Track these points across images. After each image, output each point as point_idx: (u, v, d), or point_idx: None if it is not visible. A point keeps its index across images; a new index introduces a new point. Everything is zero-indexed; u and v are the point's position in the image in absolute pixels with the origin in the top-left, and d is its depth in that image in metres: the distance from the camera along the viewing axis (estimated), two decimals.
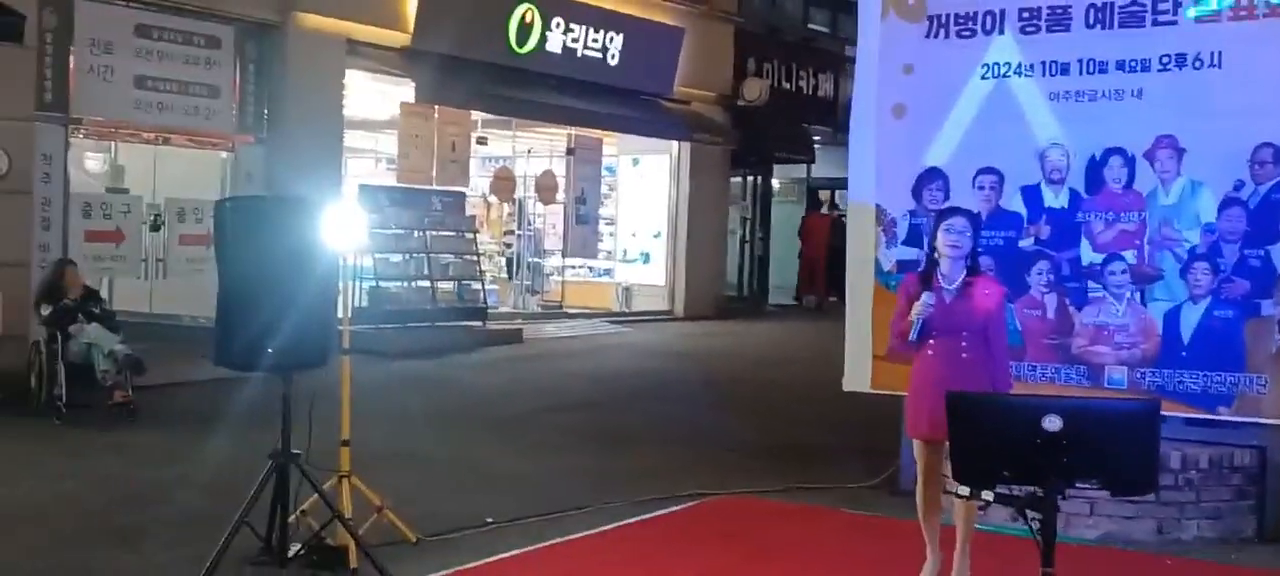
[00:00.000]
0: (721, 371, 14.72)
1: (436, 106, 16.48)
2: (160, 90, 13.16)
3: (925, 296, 5.99)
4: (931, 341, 6.14)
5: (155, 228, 13.37)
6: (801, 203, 26.46)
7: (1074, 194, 7.81)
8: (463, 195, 17.18)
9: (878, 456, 8.77)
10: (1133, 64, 7.63)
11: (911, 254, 8.13)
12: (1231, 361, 7.38)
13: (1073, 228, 7.81)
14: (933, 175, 8.17)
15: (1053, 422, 4.27)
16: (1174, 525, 7.37)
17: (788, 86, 23.05)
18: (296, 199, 7.63)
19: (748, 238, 23.87)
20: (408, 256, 15.73)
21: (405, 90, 16.25)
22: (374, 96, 17.19)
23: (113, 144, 14.24)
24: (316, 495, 6.19)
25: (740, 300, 22.76)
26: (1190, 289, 7.50)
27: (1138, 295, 7.63)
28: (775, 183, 25.54)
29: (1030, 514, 4.41)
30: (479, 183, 19.56)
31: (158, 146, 13.93)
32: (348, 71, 15.32)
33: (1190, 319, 7.50)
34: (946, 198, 7.95)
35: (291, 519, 6.05)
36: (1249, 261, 7.34)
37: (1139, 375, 7.59)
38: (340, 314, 6.71)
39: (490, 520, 7.38)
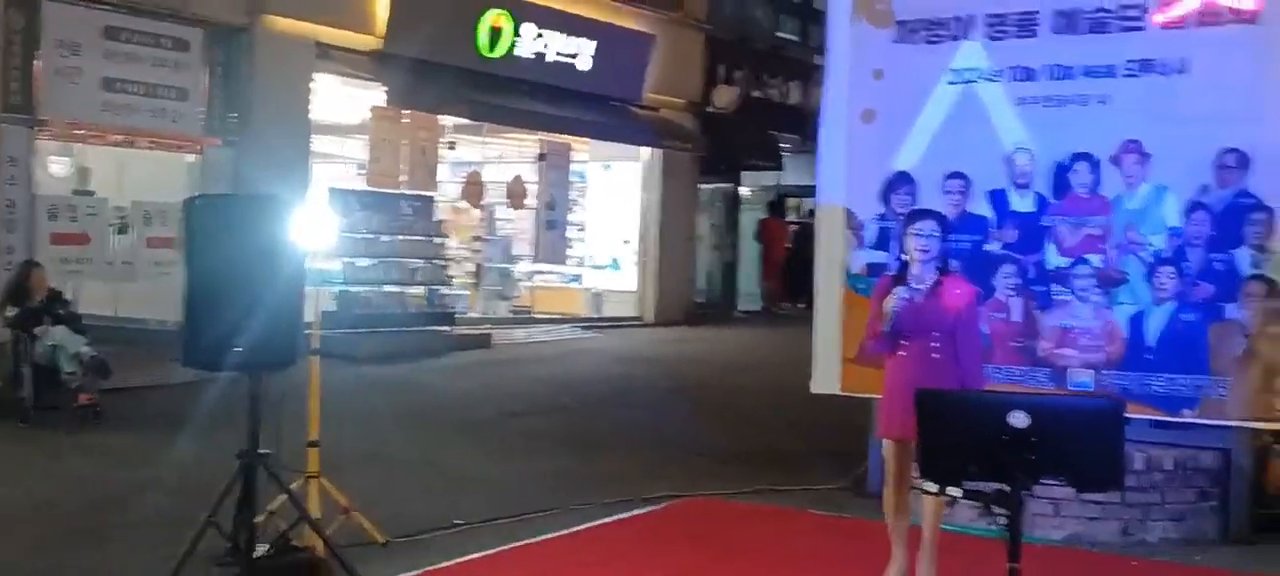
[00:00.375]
0: (691, 377, 14.74)
1: (406, 111, 16.44)
2: (128, 92, 13.07)
3: (898, 290, 6.04)
4: (903, 343, 6.18)
5: (122, 231, 13.28)
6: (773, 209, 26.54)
7: (1040, 198, 7.87)
8: (432, 200, 17.14)
9: (846, 459, 8.82)
10: (1099, 70, 7.70)
11: (880, 257, 8.17)
12: (1196, 364, 7.45)
13: (1039, 231, 7.88)
14: (901, 179, 8.22)
15: (1019, 419, 4.31)
16: (1139, 526, 7.43)
17: (757, 94, 23.11)
18: (266, 197, 7.59)
19: (717, 244, 23.93)
20: (377, 261, 15.68)
21: (375, 94, 16.20)
22: (343, 100, 17.13)
23: (79, 146, 14.12)
24: (284, 496, 6.17)
25: (710, 307, 22.80)
26: (1155, 292, 7.57)
27: (1103, 298, 7.70)
28: (745, 190, 25.60)
29: (996, 510, 4.45)
30: (449, 188, 19.52)
31: (125, 149, 13.83)
32: (317, 75, 15.26)
33: (1155, 322, 7.57)
34: (915, 201, 7.99)
35: (259, 519, 6.02)
36: (1213, 265, 7.42)
37: (1104, 378, 7.65)
38: (309, 314, 6.69)
39: (459, 521, 7.38)
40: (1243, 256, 7.33)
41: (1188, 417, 7.50)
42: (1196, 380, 7.44)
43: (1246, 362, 7.32)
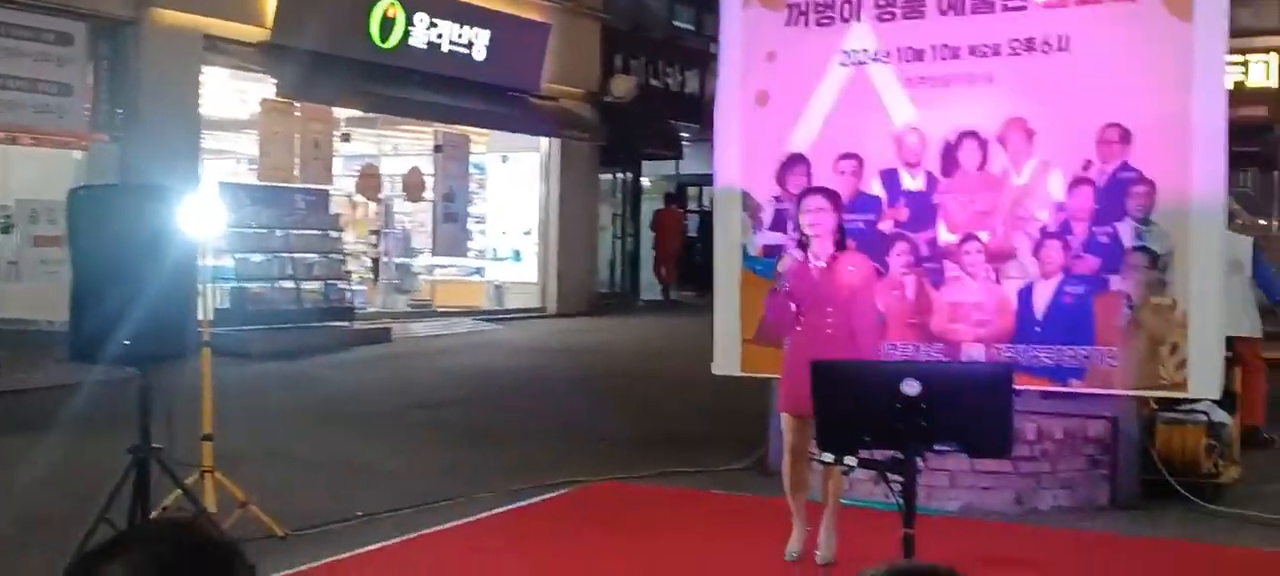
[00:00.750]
0: (594, 366, 14.75)
1: (298, 103, 16.20)
2: (10, 89, 12.72)
3: (793, 251, 6.15)
4: (801, 319, 6.26)
5: (5, 230, 12.91)
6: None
7: (930, 177, 8.00)
8: (327, 193, 16.92)
9: (749, 441, 8.89)
10: (984, 49, 7.84)
11: (778, 239, 8.24)
12: (1083, 335, 7.63)
13: (930, 209, 8.01)
14: (796, 161, 8.30)
15: (912, 387, 4.38)
16: (1031, 495, 7.60)
17: (655, 83, 23.21)
18: (152, 186, 7.45)
19: (619, 234, 23.97)
20: (270, 256, 15.43)
21: (265, 87, 15.94)
22: (233, 94, 16.83)
23: None
24: (178, 492, 6.06)
25: (612, 296, 22.83)
26: (1042, 266, 7.73)
27: (993, 274, 7.85)
28: (645, 180, 25.67)
29: (891, 477, 4.52)
30: (343, 181, 19.28)
31: (8, 147, 13.45)
32: (205, 68, 14.98)
33: (1043, 295, 7.74)
34: (810, 182, 8.07)
35: (153, 515, 5.90)
36: (1098, 238, 7.60)
37: (995, 351, 7.80)
38: (201, 308, 6.58)
39: (360, 513, 7.30)
40: (1126, 228, 7.52)
41: (1076, 388, 7.69)
42: (1084, 351, 7.62)
43: (1131, 332, 7.52)
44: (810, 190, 6.44)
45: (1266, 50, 23.24)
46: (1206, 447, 7.83)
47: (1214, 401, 7.83)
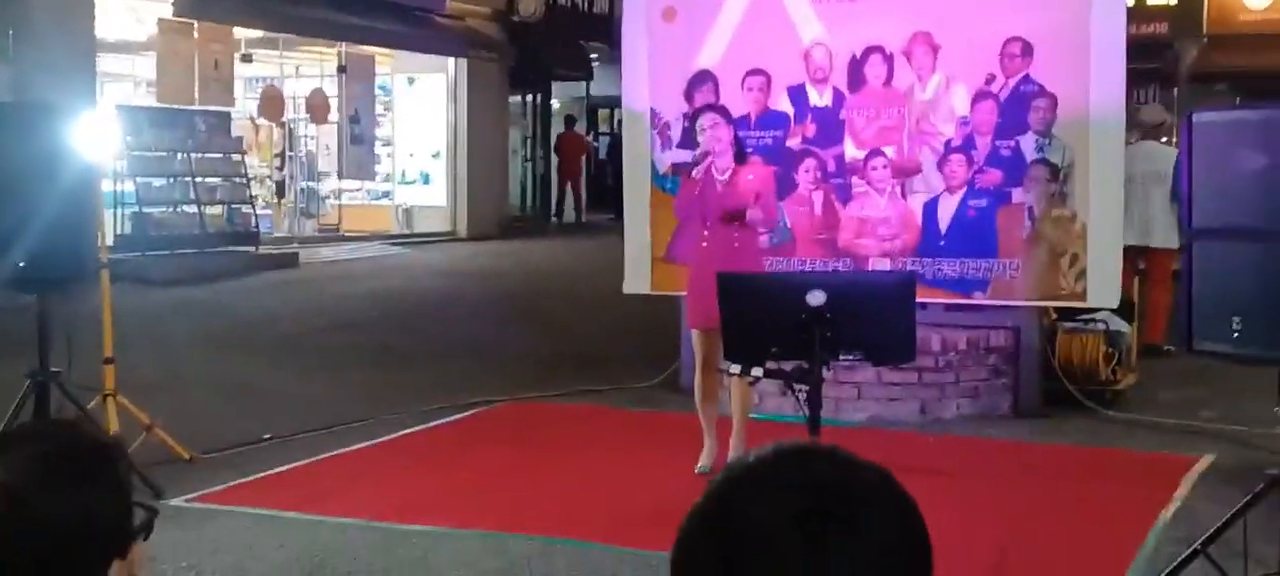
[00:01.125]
0: (506, 288, 14.69)
1: (196, 23, 15.79)
2: None
3: (705, 118, 6.21)
4: (706, 232, 6.29)
5: None
6: (582, 121, 26.50)
7: (837, 92, 8.04)
8: (228, 116, 16.55)
9: (661, 359, 8.92)
10: None
11: (686, 156, 8.22)
12: (986, 248, 7.76)
13: (837, 125, 8.05)
14: (703, 77, 8.28)
15: (816, 298, 4.43)
16: (935, 405, 7.75)
17: (563, 3, 22.96)
18: (44, 104, 7.22)
19: (530, 156, 23.81)
20: (172, 180, 15.09)
21: (162, 7, 15.51)
22: (128, 15, 16.35)
23: None
24: (79, 416, 5.94)
25: (524, 219, 22.72)
26: (947, 181, 7.83)
27: (898, 188, 7.93)
28: (555, 102, 25.48)
29: (797, 387, 4.57)
30: (246, 103, 18.88)
31: None
32: None
33: (947, 209, 7.84)
34: (717, 99, 8.07)
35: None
36: (1000, 152, 7.71)
37: (901, 265, 7.90)
38: (98, 228, 6.42)
39: (268, 436, 7.23)
40: (1028, 142, 7.64)
41: (979, 299, 7.83)
42: (987, 263, 7.76)
43: (1033, 244, 7.66)
44: (703, 108, 6.49)
45: None
46: (1105, 355, 8.02)
47: (1113, 310, 8.01)
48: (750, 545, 1.09)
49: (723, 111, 6.36)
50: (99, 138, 5.99)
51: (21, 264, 5.41)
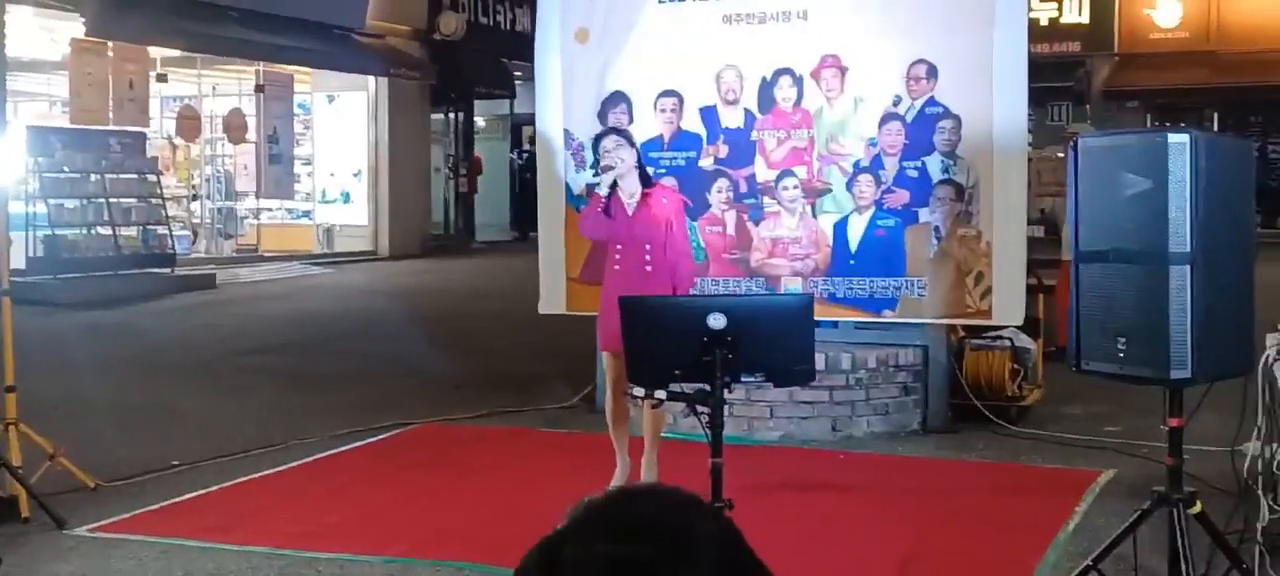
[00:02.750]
0: (427, 308, 14.64)
1: (110, 42, 15.59)
2: None
3: (608, 140, 6.22)
4: (618, 255, 6.33)
5: None
6: (506, 139, 26.47)
7: (748, 113, 8.13)
8: (143, 136, 16.36)
9: (577, 379, 8.95)
10: None
11: (596, 181, 8.27)
12: (895, 267, 7.87)
13: (748, 146, 8.13)
14: (616, 98, 8.33)
15: (717, 320, 4.48)
16: (846, 422, 7.84)
17: (485, 21, 22.95)
18: None
19: (452, 175, 23.74)
20: (85, 202, 14.87)
21: (75, 26, 15.29)
22: (40, 34, 16.10)
23: None
24: None
25: (447, 238, 22.65)
26: (856, 201, 7.94)
27: (809, 208, 8.03)
28: (479, 120, 25.44)
29: (700, 409, 4.62)
30: (163, 123, 18.66)
31: None
32: (8, 6, 14.25)
33: (856, 229, 7.95)
34: (631, 120, 8.13)
35: None
36: (907, 172, 7.83)
37: (812, 284, 7.99)
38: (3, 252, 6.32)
39: (176, 463, 7.15)
40: (934, 162, 7.76)
41: (888, 317, 7.94)
42: (896, 282, 7.87)
43: (940, 263, 7.79)
44: (603, 132, 6.55)
45: None
46: (1011, 372, 8.17)
47: (1018, 327, 8.16)
48: None
49: (625, 134, 6.42)
50: (3, 159, 5.91)
51: None
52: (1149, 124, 23.63)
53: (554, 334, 9.80)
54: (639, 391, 4.76)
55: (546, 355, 10.36)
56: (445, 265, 19.57)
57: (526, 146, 26.91)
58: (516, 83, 24.32)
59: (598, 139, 6.41)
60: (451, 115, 23.59)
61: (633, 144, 6.32)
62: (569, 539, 1.15)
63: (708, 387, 4.57)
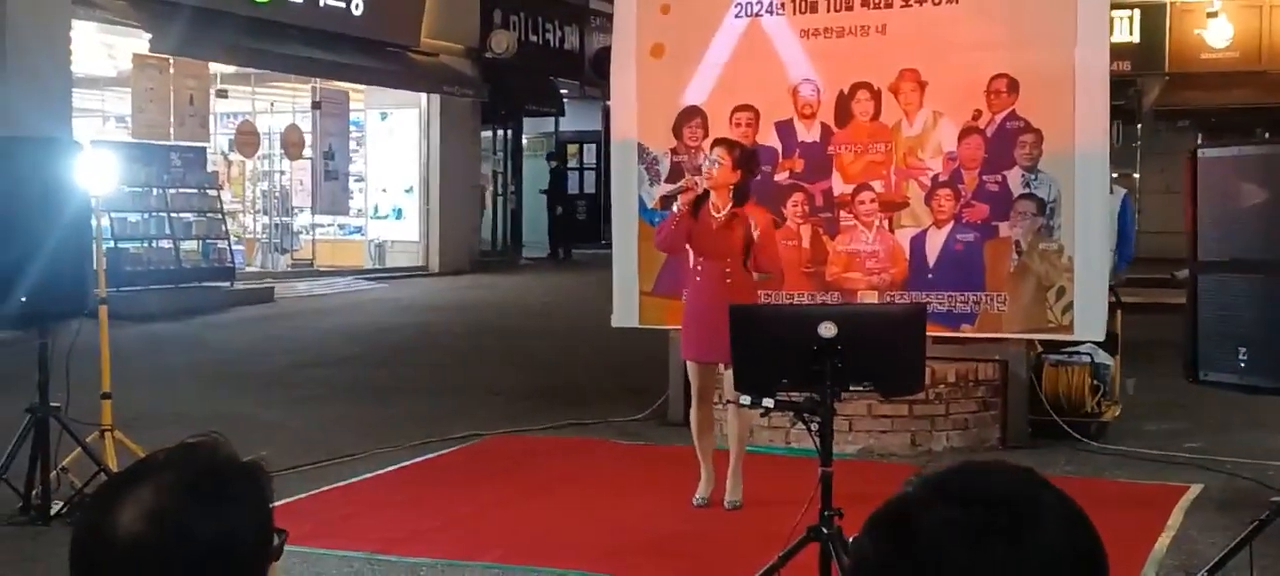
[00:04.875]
0: (482, 323, 14.69)
1: (172, 59, 15.76)
2: None
3: (715, 152, 6.22)
4: (699, 266, 6.36)
5: None
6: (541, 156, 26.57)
7: (825, 127, 8.13)
8: (203, 151, 16.52)
9: (645, 393, 8.95)
10: (877, 1, 7.98)
11: (674, 190, 8.28)
12: (974, 281, 7.85)
13: (825, 160, 8.14)
14: (692, 113, 8.36)
15: (828, 329, 4.48)
16: (926, 437, 7.82)
17: (535, 39, 23.06)
18: (45, 139, 7.20)
19: (500, 191, 23.84)
20: (147, 216, 15.03)
21: (134, 42, 15.47)
22: (100, 50, 16.30)
23: None
24: (78, 450, 5.91)
25: (495, 254, 22.74)
26: (934, 214, 7.92)
27: (886, 222, 8.02)
28: (526, 138, 25.55)
29: (808, 418, 4.62)
30: (221, 139, 18.84)
31: None
32: (74, 22, 14.46)
33: (934, 243, 7.93)
34: (706, 134, 8.15)
35: (52, 474, 5.75)
36: (987, 187, 7.82)
37: (888, 299, 7.98)
38: (99, 263, 6.40)
39: None
40: (1014, 176, 7.74)
41: (967, 333, 7.91)
42: (974, 296, 7.85)
43: (1020, 278, 7.76)
44: (715, 142, 6.56)
45: (1129, 6, 23.99)
46: (1090, 388, 8.12)
47: (1097, 343, 8.12)
48: (920, 550, 1.14)
49: (732, 148, 6.42)
50: (96, 172, 5.99)
51: (24, 299, 5.38)
52: (1199, 142, 23.47)
53: (610, 348, 9.80)
54: (746, 399, 4.76)
55: (609, 370, 10.38)
56: (494, 281, 19.64)
57: (572, 163, 27.00)
58: (565, 100, 24.43)
59: (714, 145, 6.46)
60: (499, 132, 23.69)
61: (741, 167, 6.32)
62: (918, 505, 1.19)
63: (816, 396, 4.57)
